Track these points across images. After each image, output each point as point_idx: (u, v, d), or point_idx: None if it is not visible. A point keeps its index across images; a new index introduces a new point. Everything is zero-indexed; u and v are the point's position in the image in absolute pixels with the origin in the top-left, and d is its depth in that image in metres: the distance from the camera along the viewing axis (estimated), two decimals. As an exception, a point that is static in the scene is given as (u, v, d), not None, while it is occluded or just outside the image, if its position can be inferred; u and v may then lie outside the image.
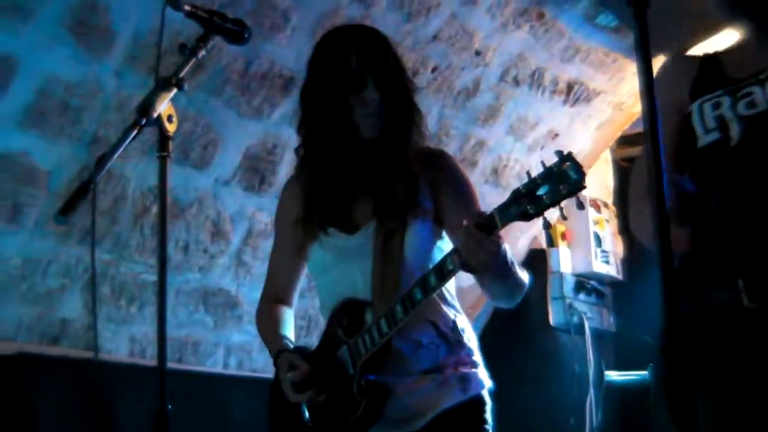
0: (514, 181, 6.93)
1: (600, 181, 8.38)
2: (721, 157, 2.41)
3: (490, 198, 6.72)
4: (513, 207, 2.63)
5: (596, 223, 7.99)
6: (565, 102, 6.90)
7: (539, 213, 2.59)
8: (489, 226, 2.68)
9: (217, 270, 5.35)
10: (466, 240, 2.71)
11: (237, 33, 2.85)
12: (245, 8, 4.49)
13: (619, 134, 7.83)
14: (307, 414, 3.20)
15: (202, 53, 2.73)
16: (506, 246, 2.84)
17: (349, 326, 3.13)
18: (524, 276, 3.09)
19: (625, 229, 7.66)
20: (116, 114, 4.42)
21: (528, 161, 6.98)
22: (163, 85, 2.60)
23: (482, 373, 3.23)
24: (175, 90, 2.60)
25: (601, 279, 8.08)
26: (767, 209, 2.38)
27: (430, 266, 2.96)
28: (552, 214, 2.59)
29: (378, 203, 3.18)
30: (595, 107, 7.17)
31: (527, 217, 2.61)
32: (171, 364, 2.57)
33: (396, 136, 3.21)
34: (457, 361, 3.17)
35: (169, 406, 2.49)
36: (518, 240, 7.57)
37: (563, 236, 7.91)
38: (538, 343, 7.63)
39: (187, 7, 2.73)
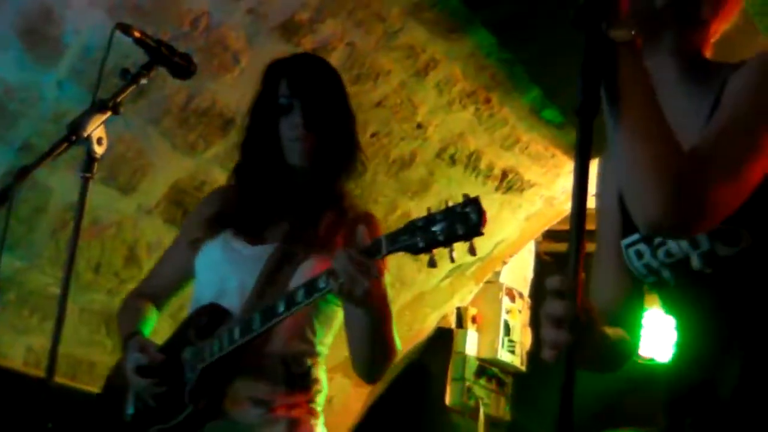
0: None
1: (519, 272, 8.43)
2: (665, 293, 2.42)
3: (407, 269, 6.75)
4: (404, 237, 2.55)
5: (509, 311, 8.04)
6: (497, 188, 6.93)
7: (429, 248, 2.51)
8: (372, 251, 2.61)
9: (124, 294, 5.30)
10: (346, 262, 2.60)
11: (182, 68, 2.85)
12: (197, 44, 4.49)
13: (546, 228, 7.89)
14: (131, 408, 3.10)
15: (143, 81, 2.74)
16: (388, 287, 2.81)
17: (204, 329, 3.01)
18: (396, 346, 2.99)
19: (535, 323, 7.71)
20: (52, 125, 4.39)
21: (451, 240, 6.99)
22: (99, 106, 2.60)
23: (317, 427, 3.08)
24: (109, 113, 2.60)
25: (505, 367, 8.07)
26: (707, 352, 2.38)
27: (314, 316, 2.96)
28: (443, 258, 2.53)
29: (292, 228, 3.12)
30: (526, 198, 7.22)
31: (416, 249, 2.53)
32: (62, 380, 2.55)
33: (325, 166, 3.17)
34: (294, 404, 3.04)
35: (50, 424, 2.47)
36: (428, 316, 7.57)
37: (473, 319, 7.94)
38: (430, 419, 7.61)
39: (136, 33, 2.74)
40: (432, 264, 2.54)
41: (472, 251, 2.49)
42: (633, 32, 2.08)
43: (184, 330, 3.11)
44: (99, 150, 2.59)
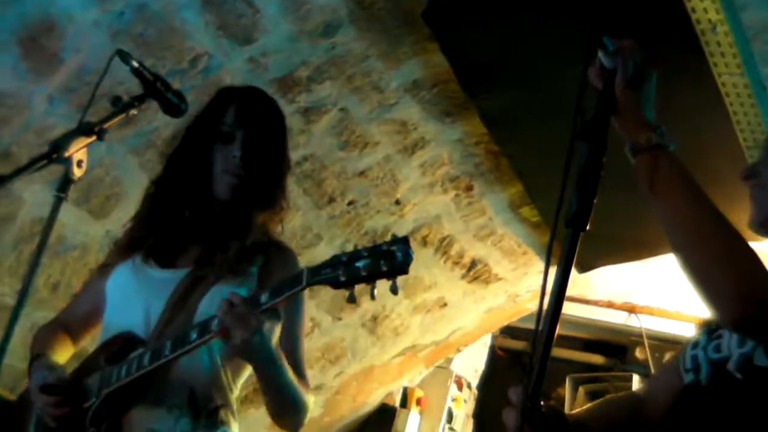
0: (389, 333, 6.94)
1: (471, 362, 8.43)
2: (695, 399, 2.40)
3: (361, 341, 6.74)
4: (326, 269, 2.50)
5: (454, 399, 8.04)
6: (463, 276, 6.94)
7: (350, 283, 2.46)
8: (293, 282, 2.56)
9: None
10: (226, 309, 2.57)
11: (174, 105, 2.85)
12: (192, 82, 4.50)
13: (505, 323, 7.90)
14: (32, 428, 3.00)
15: (133, 112, 2.73)
16: (274, 339, 2.77)
17: (115, 356, 2.91)
18: (306, 396, 2.93)
19: (478, 415, 7.71)
20: (35, 137, 4.36)
21: (409, 319, 7.00)
22: (85, 129, 2.59)
23: None
24: (94, 138, 2.59)
25: (441, 455, 8.03)
26: None
27: (230, 358, 2.88)
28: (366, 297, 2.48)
29: (204, 252, 3.05)
30: (491, 291, 7.23)
31: (337, 283, 2.47)
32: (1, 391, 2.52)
33: (247, 200, 3.10)
34: None
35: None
36: (374, 390, 7.54)
37: (418, 401, 7.93)
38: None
39: (135, 63, 2.75)
40: (352, 299, 2.49)
41: (394, 290, 2.44)
42: (657, 138, 2.13)
43: (95, 356, 3.02)
44: (77, 172, 2.58)
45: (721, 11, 3.85)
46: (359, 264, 2.44)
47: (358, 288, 2.50)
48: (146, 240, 3.14)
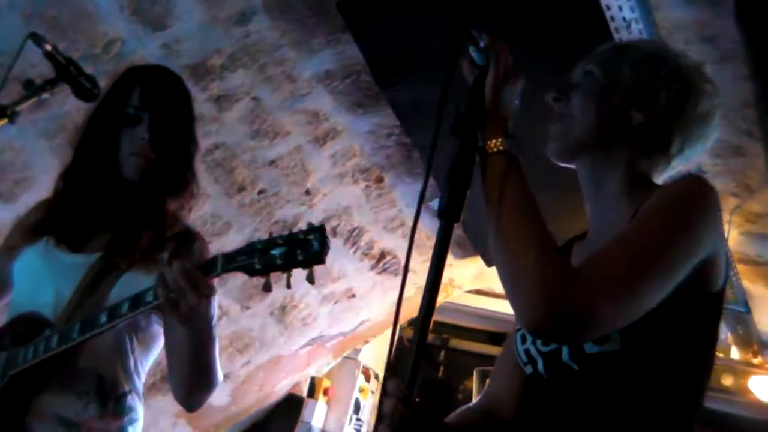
0: (297, 323, 6.94)
1: (380, 354, 8.47)
2: (537, 390, 2.43)
3: (269, 330, 6.74)
4: (242, 257, 2.45)
5: (362, 390, 8.07)
6: (372, 267, 6.98)
7: (265, 271, 2.41)
8: (207, 268, 2.52)
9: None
10: (179, 274, 2.49)
11: (87, 90, 2.80)
12: (105, 67, 4.46)
13: (413, 316, 7.93)
14: None
15: (45, 96, 2.70)
16: (215, 309, 2.68)
17: (20, 337, 2.81)
18: (220, 374, 2.85)
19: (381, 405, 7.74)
20: (-58, 118, 4.31)
21: (318, 309, 7.02)
22: (-5, 112, 2.56)
23: None
24: (5, 121, 2.56)
25: (342, 445, 8.07)
26: None
27: (139, 344, 2.85)
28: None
29: (115, 239, 2.96)
30: (399, 282, 7.23)
31: (252, 271, 2.42)
32: None
33: (158, 184, 3.02)
34: (103, 429, 2.82)
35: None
36: (282, 380, 7.54)
37: (325, 391, 7.95)
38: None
39: (48, 47, 2.71)
40: (267, 288, 2.44)
41: (310, 279, 2.39)
42: (505, 144, 2.19)
43: (2, 336, 2.91)
44: (-13, 154, 2.55)
45: (635, 9, 3.92)
46: (275, 252, 2.40)
47: (274, 275, 2.46)
48: (55, 223, 3.05)
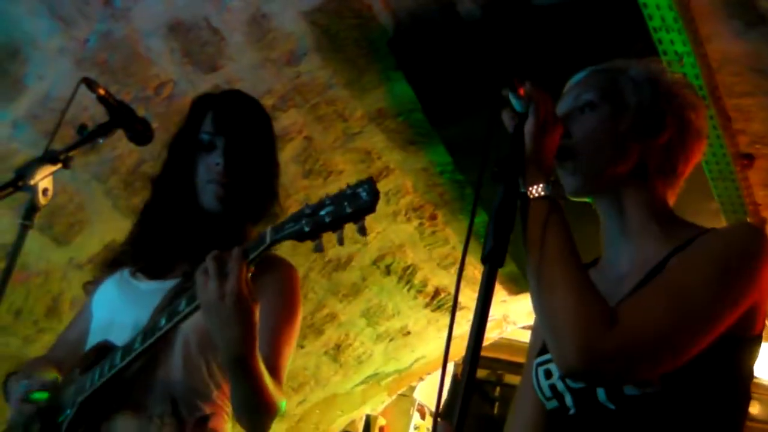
0: (352, 361, 6.93)
1: (435, 391, 8.41)
2: (562, 424, 2.41)
3: (324, 369, 6.72)
4: (290, 224, 2.33)
5: (416, 428, 8.04)
6: (427, 305, 6.94)
7: (315, 233, 2.30)
8: (256, 242, 2.38)
9: (39, 344, 5.21)
10: (209, 260, 2.38)
11: (139, 133, 2.80)
12: (157, 110, 4.48)
13: (467, 352, 7.89)
14: None
15: (99, 140, 2.71)
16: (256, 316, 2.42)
17: (89, 366, 2.74)
18: (273, 399, 2.62)
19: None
20: (-1, 162, 4.35)
21: (372, 348, 6.99)
22: (50, 157, 2.57)
23: None
24: (60, 166, 2.57)
25: (394, 482, 8.04)
26: None
27: (210, 350, 2.73)
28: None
29: (193, 265, 2.66)
30: (455, 319, 7.19)
31: (301, 235, 2.30)
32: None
33: (237, 211, 2.96)
34: None
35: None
36: (337, 418, 7.53)
37: (381, 429, 7.93)
38: None
39: (101, 91, 2.72)
40: (318, 248, 2.32)
41: (362, 231, 2.29)
42: (547, 190, 2.18)
43: (73, 371, 2.85)
44: (43, 200, 2.55)
45: (687, 43, 3.89)
46: (323, 212, 2.28)
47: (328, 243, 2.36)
48: (133, 256, 3.04)
